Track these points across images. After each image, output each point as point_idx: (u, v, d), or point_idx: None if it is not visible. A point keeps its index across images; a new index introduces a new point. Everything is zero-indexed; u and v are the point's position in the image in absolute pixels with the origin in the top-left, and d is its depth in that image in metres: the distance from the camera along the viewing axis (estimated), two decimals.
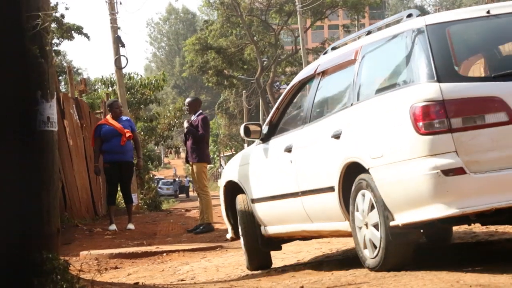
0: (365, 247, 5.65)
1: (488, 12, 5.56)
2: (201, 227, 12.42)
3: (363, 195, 5.60)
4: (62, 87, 33.78)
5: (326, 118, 6.37)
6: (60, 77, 39.98)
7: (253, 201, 7.26)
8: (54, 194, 6.09)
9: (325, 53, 7.05)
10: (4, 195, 1.12)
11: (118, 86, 22.58)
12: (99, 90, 28.39)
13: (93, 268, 7.68)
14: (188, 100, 13.17)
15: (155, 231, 13.33)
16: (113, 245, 10.83)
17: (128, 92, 25.46)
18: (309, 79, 7.08)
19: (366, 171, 5.53)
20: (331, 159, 5.99)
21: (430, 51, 5.33)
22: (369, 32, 6.40)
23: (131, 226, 13.08)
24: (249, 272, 7.23)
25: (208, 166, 13.18)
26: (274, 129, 7.28)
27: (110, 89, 26.31)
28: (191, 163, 12.46)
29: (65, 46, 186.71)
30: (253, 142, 7.69)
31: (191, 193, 61.68)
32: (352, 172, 5.74)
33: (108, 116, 12.94)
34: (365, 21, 74.11)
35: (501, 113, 5.10)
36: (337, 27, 67.59)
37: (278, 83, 56.77)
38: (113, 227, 12.70)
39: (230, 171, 7.89)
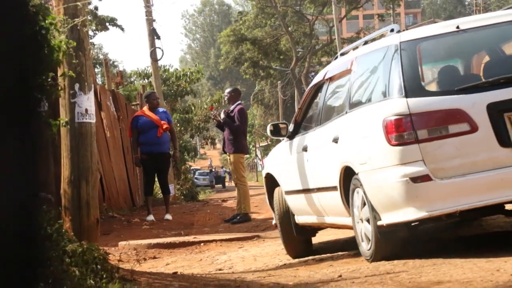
0: (363, 240, 6.16)
1: (457, 27, 6.10)
2: (238, 217, 12.45)
3: (358, 193, 6.13)
4: (99, 80, 34.02)
5: (329, 122, 6.89)
6: (97, 70, 40.26)
7: (285, 192, 7.83)
8: (93, 185, 6.16)
9: (335, 58, 7.59)
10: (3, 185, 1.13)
11: (153, 78, 22.72)
12: (135, 82, 28.55)
13: (132, 258, 7.73)
14: (228, 90, 13.18)
15: (192, 221, 13.38)
16: (151, 236, 10.91)
17: (164, 84, 25.59)
18: (321, 84, 7.61)
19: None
20: (333, 162, 6.57)
21: (401, 67, 5.86)
22: (365, 43, 6.94)
23: (168, 216, 13.16)
24: (287, 262, 7.24)
25: (245, 156, 13.19)
26: (298, 128, 7.85)
27: (146, 81, 26.45)
28: (228, 153, 12.50)
29: (101, 39, 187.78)
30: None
31: (227, 184, 61.85)
32: (349, 173, 6.25)
33: (145, 108, 13.01)
34: (400, 10, 73.62)
35: (463, 124, 5.60)
36: (372, 17, 67.10)
37: (313, 73, 56.56)
38: (150, 217, 12.78)
39: (268, 164, 8.63)
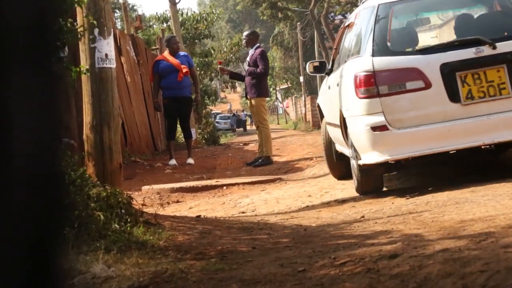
0: (355, 174, 7.08)
1: None
2: (260, 160, 12.48)
3: (348, 134, 6.97)
4: (118, 24, 33.90)
5: (339, 67, 7.65)
6: (116, 14, 40.08)
7: (326, 123, 8.95)
8: (115, 130, 6.17)
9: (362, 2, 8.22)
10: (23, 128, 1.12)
11: (172, 21, 22.60)
12: (154, 26, 28.44)
13: (155, 202, 7.79)
14: (245, 33, 13.09)
15: (215, 165, 13.44)
16: (174, 180, 10.97)
17: (182, 28, 25.46)
18: (344, 28, 8.46)
19: None
20: (336, 103, 7.47)
21: (373, 28, 6.71)
22: None
23: (190, 160, 13.22)
24: (309, 204, 7.27)
25: (266, 99, 13.15)
26: (333, 66, 8.63)
27: (165, 25, 26.32)
28: (249, 97, 12.46)
29: None
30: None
31: (248, 127, 61.91)
32: (343, 117, 7.09)
33: (166, 52, 12.97)
34: None
35: (419, 81, 6.42)
36: None
37: (332, 14, 55.97)
38: (173, 162, 12.84)
39: (319, 95, 9.98)
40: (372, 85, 6.46)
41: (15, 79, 1.12)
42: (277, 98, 71.16)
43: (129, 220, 4.71)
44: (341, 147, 8.11)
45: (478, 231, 3.72)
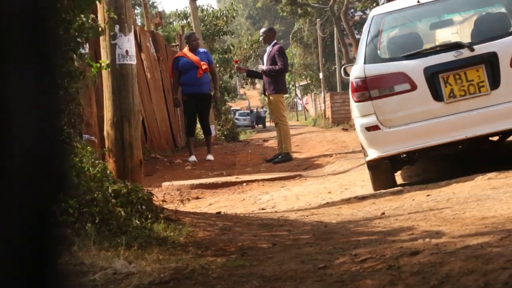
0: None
1: (418, 1, 7.60)
2: (279, 157, 12.47)
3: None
4: (138, 21, 33.98)
5: None
6: (136, 11, 40.19)
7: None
8: (135, 127, 6.19)
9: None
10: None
11: (192, 18, 22.62)
12: (174, 23, 28.50)
13: (176, 198, 7.81)
14: (262, 30, 13.09)
15: (234, 162, 13.45)
16: (194, 176, 10.99)
17: (202, 24, 25.49)
18: None
19: None
20: None
21: (367, 37, 7.51)
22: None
23: (210, 157, 13.24)
24: (329, 200, 7.27)
25: (285, 96, 13.14)
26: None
27: (185, 21, 26.37)
28: (267, 94, 12.45)
29: None
30: None
31: (268, 124, 61.87)
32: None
33: (185, 49, 13.00)
34: None
35: (405, 84, 7.15)
36: None
37: (352, 10, 55.83)
38: (192, 158, 12.87)
39: None
40: (365, 90, 7.25)
41: (13, 69, 1.12)
42: (296, 94, 71.04)
43: (149, 216, 4.72)
44: None
45: (500, 228, 3.70)
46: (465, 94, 7.06)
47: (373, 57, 7.38)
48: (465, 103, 7.06)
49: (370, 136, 7.23)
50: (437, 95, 7.09)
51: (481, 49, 7.08)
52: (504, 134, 7.51)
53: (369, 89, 7.21)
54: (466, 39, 7.49)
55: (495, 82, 7.04)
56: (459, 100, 7.07)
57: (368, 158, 7.34)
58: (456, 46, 7.21)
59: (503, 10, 7.63)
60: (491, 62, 7.05)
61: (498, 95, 7.02)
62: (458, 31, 7.90)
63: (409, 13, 7.78)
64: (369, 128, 7.22)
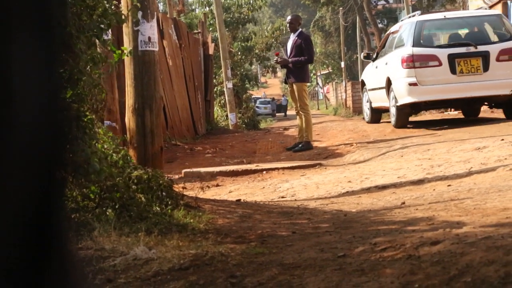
0: (393, 116, 13.77)
1: (444, 16, 13.89)
2: (300, 145, 12.45)
3: (391, 91, 13.48)
4: (160, 8, 33.99)
5: (386, 55, 14.49)
6: None
7: (368, 89, 15.91)
8: (157, 114, 6.20)
9: (402, 20, 16.26)
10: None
11: (215, 5, 22.59)
12: (196, 10, 28.48)
13: (196, 185, 7.82)
14: (289, 18, 12.97)
15: (255, 150, 13.46)
16: (214, 163, 11.01)
17: (225, 12, 25.45)
18: (389, 34, 15.46)
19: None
20: (384, 74, 14.10)
21: (413, 32, 13.19)
22: (411, 16, 14.79)
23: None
24: (349, 189, 7.25)
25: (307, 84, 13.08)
26: (377, 56, 15.67)
27: (207, 9, 26.35)
28: (290, 83, 12.39)
29: None
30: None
31: (289, 112, 61.81)
32: (389, 81, 13.67)
33: None
34: None
35: (435, 62, 12.83)
36: None
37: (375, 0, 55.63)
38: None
39: (363, 75, 17.04)
40: (411, 61, 12.91)
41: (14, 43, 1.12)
42: (317, 83, 70.88)
43: (169, 202, 4.74)
44: (378, 103, 15.06)
45: None
46: (469, 72, 12.89)
47: (417, 43, 13.11)
48: (468, 77, 12.87)
49: (410, 89, 12.84)
50: (453, 70, 12.89)
51: (481, 48, 12.88)
52: (488, 98, 13.37)
53: (414, 61, 12.90)
54: (473, 41, 13.07)
55: (486, 67, 12.87)
56: (464, 75, 12.87)
57: (403, 102, 13.04)
58: (467, 44, 13.01)
59: (490, 27, 13.42)
60: (485, 56, 12.86)
61: (487, 75, 12.82)
62: (467, 36, 13.60)
63: (439, 22, 13.96)
64: (411, 84, 12.84)
